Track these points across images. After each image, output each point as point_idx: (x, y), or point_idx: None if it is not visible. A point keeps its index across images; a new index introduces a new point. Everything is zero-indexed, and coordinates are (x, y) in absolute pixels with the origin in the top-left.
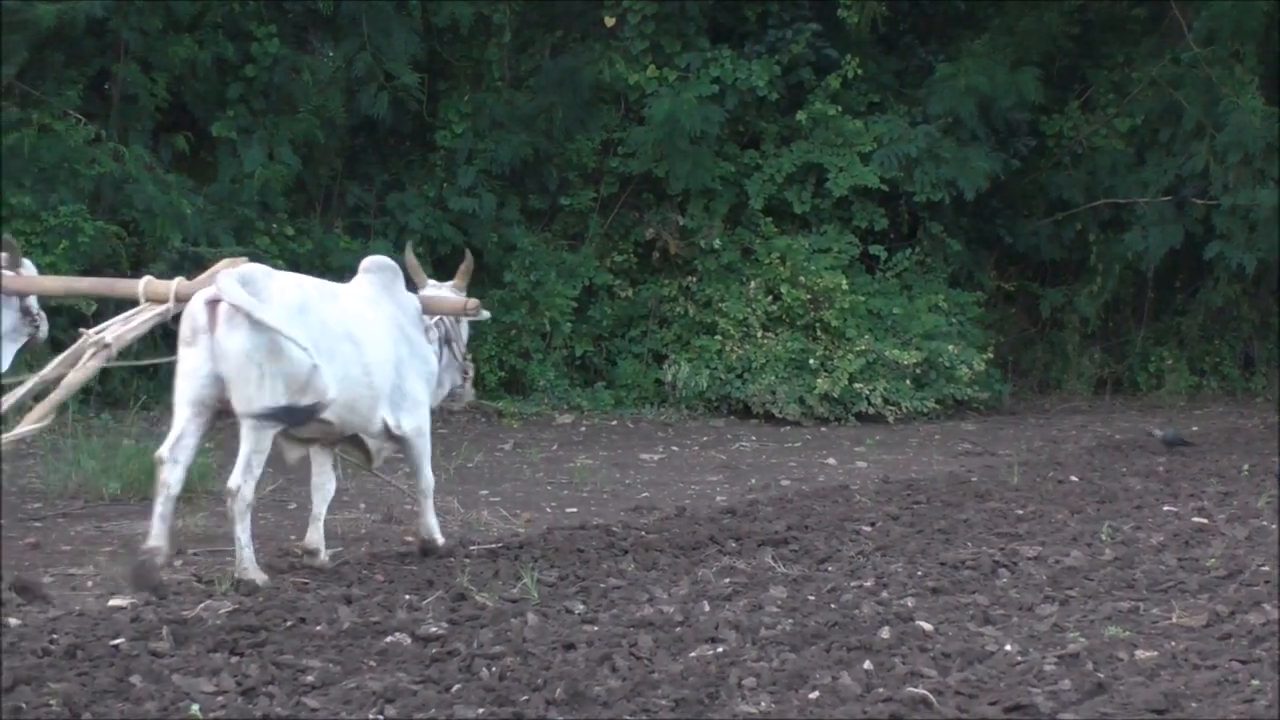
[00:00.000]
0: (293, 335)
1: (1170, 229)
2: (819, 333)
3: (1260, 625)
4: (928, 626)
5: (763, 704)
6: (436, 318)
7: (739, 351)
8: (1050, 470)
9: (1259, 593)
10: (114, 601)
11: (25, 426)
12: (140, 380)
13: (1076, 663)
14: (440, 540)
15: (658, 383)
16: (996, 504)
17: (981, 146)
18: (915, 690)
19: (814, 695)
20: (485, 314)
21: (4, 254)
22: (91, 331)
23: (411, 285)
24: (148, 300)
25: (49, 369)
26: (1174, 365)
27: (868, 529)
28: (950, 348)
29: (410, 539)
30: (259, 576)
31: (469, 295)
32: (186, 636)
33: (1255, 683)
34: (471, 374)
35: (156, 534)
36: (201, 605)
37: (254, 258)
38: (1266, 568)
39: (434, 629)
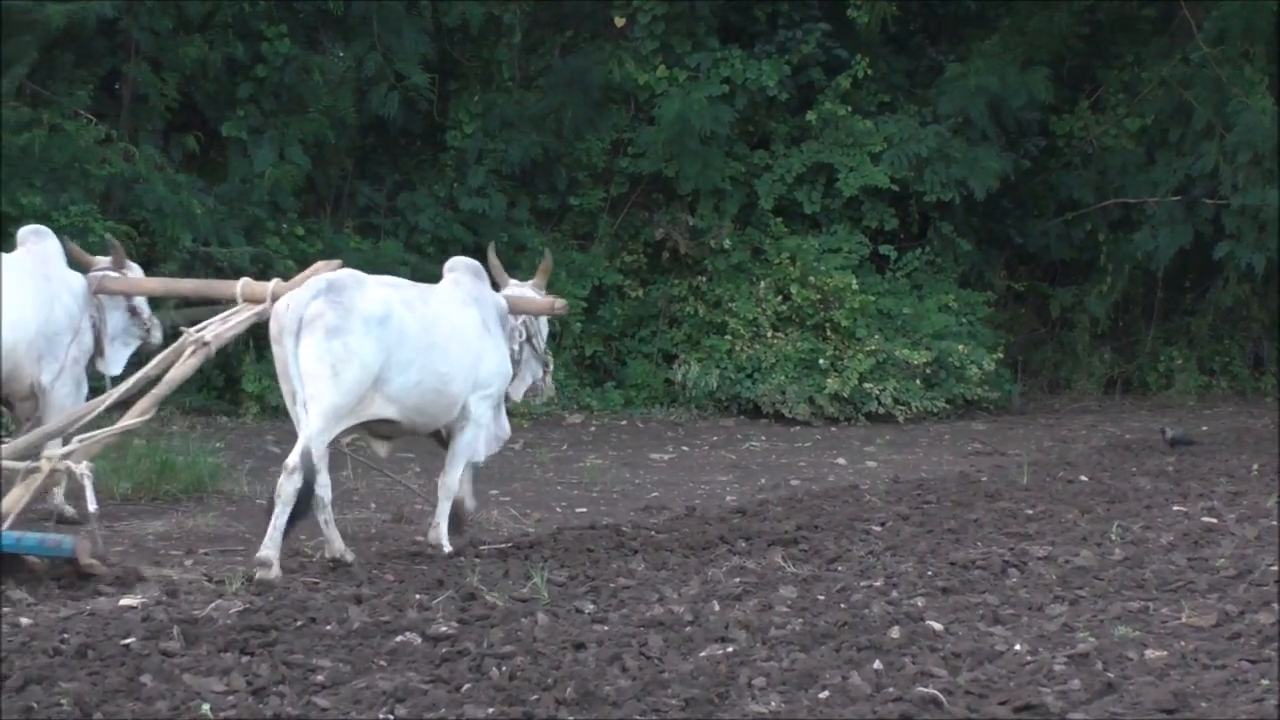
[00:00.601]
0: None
1: (1180, 229)
2: (829, 332)
3: (1270, 625)
4: (938, 626)
5: (773, 703)
6: (522, 317)
7: (749, 351)
8: (1060, 470)
9: (1269, 592)
10: (125, 601)
11: (129, 420)
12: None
13: (1086, 662)
14: (448, 549)
15: (667, 382)
16: (1006, 504)
17: (992, 146)
18: (925, 690)
19: (824, 695)
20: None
21: (110, 256)
22: (192, 330)
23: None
24: (244, 300)
25: (151, 365)
26: (1184, 365)
27: (877, 529)
28: (960, 347)
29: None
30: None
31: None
32: (197, 636)
33: (1265, 682)
34: (551, 368)
35: (333, 540)
36: (212, 605)
37: (264, 258)
38: (1276, 567)
39: (444, 628)
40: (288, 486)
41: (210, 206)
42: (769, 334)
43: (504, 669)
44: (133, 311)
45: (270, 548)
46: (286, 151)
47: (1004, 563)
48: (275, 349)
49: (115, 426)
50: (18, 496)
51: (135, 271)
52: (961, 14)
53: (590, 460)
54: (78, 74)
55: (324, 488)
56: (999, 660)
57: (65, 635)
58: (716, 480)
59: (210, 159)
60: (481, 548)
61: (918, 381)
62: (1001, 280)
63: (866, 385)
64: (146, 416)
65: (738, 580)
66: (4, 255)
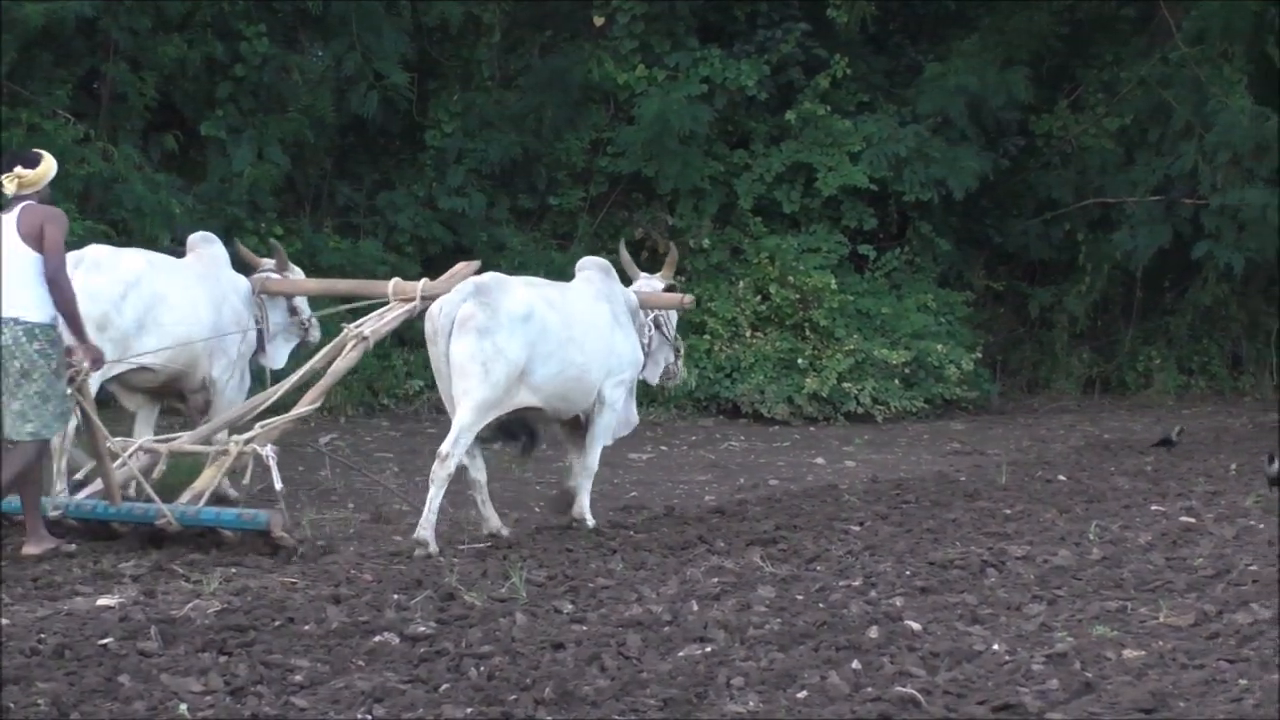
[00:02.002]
0: None
1: (1159, 228)
2: (808, 332)
3: (1248, 625)
4: (916, 626)
5: (751, 703)
6: (656, 313)
7: (728, 351)
8: (1038, 470)
9: (1247, 592)
10: (102, 601)
11: (300, 409)
12: None
13: (1064, 662)
14: (591, 523)
15: (645, 382)
16: (985, 503)
17: (971, 146)
18: (903, 689)
19: (802, 695)
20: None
21: (274, 259)
22: (352, 326)
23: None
24: (396, 299)
25: (316, 359)
26: (1162, 365)
27: (856, 528)
28: (939, 347)
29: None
30: (429, 536)
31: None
32: (175, 636)
33: (1243, 682)
34: (682, 353)
35: (489, 518)
36: (190, 605)
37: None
38: (1254, 567)
39: (422, 628)
40: (441, 471)
41: (189, 206)
42: (748, 334)
43: (482, 669)
44: (293, 311)
45: (426, 528)
46: (265, 151)
47: (982, 562)
48: (430, 349)
49: (290, 414)
50: (210, 477)
51: (296, 273)
52: (941, 14)
53: (569, 460)
54: (56, 73)
55: (479, 470)
56: (977, 660)
57: (42, 635)
58: (695, 480)
59: (189, 158)
60: (460, 547)
61: (896, 381)
62: (980, 280)
63: (845, 385)
64: (316, 405)
65: (716, 580)
66: (178, 259)
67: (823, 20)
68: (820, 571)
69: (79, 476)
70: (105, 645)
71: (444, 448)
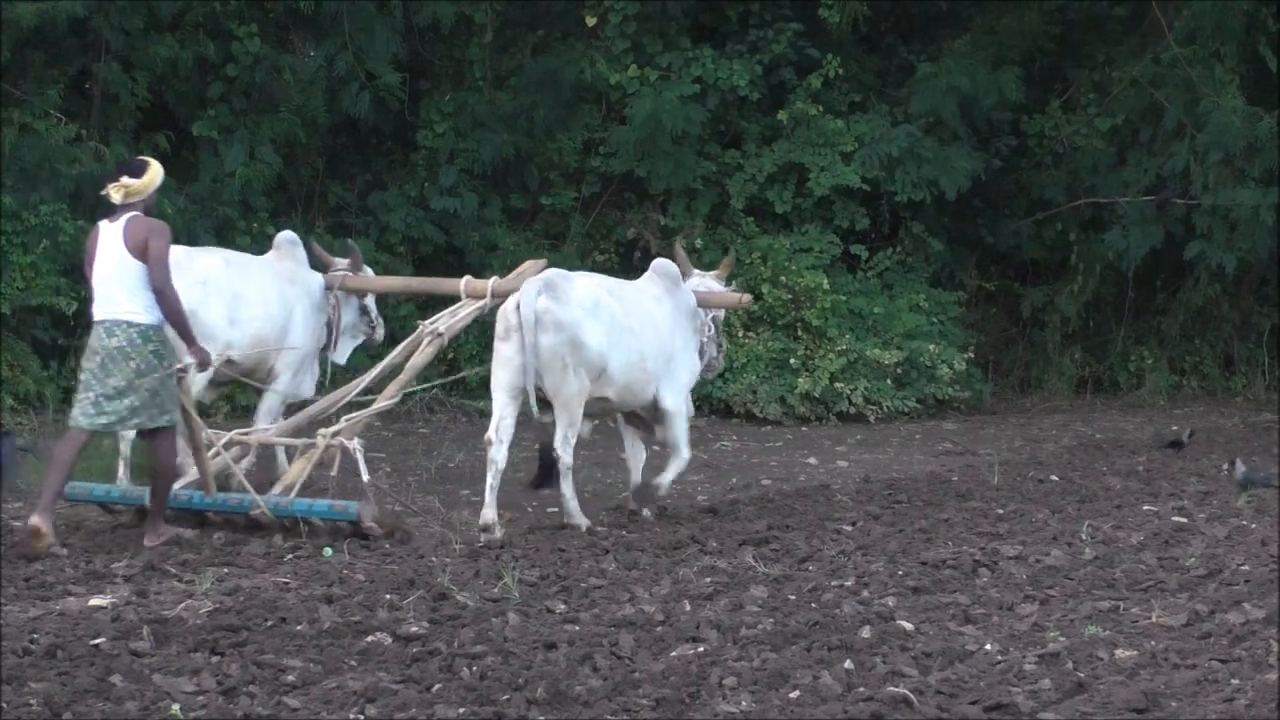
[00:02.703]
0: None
1: (1151, 229)
2: (800, 332)
3: (1240, 624)
4: (908, 626)
5: (744, 703)
6: (713, 313)
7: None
8: (1031, 470)
9: (1239, 592)
10: (95, 601)
11: (380, 403)
12: None
13: (1057, 662)
14: (664, 491)
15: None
16: (977, 503)
17: (963, 146)
18: (896, 689)
19: (795, 694)
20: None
21: (348, 259)
22: (427, 322)
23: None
24: (468, 297)
25: (394, 355)
26: (1154, 365)
27: (848, 528)
28: (931, 347)
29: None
30: (583, 522)
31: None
32: (167, 636)
33: (1235, 682)
34: (724, 347)
35: (489, 504)
36: (182, 605)
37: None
38: (1246, 567)
39: (415, 628)
40: (560, 468)
41: (181, 206)
42: (740, 334)
43: (475, 669)
44: (363, 310)
45: (575, 516)
46: (257, 151)
47: (975, 562)
48: (499, 344)
49: (371, 408)
50: (300, 469)
51: (368, 273)
52: (933, 14)
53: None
54: (48, 73)
55: (503, 459)
56: (970, 660)
57: (34, 635)
58: (688, 480)
59: (181, 158)
60: (453, 547)
61: (889, 381)
62: (973, 280)
63: (838, 385)
64: (395, 399)
65: (709, 580)
66: (256, 258)
67: (815, 20)
68: (813, 571)
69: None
70: (98, 645)
71: (559, 451)
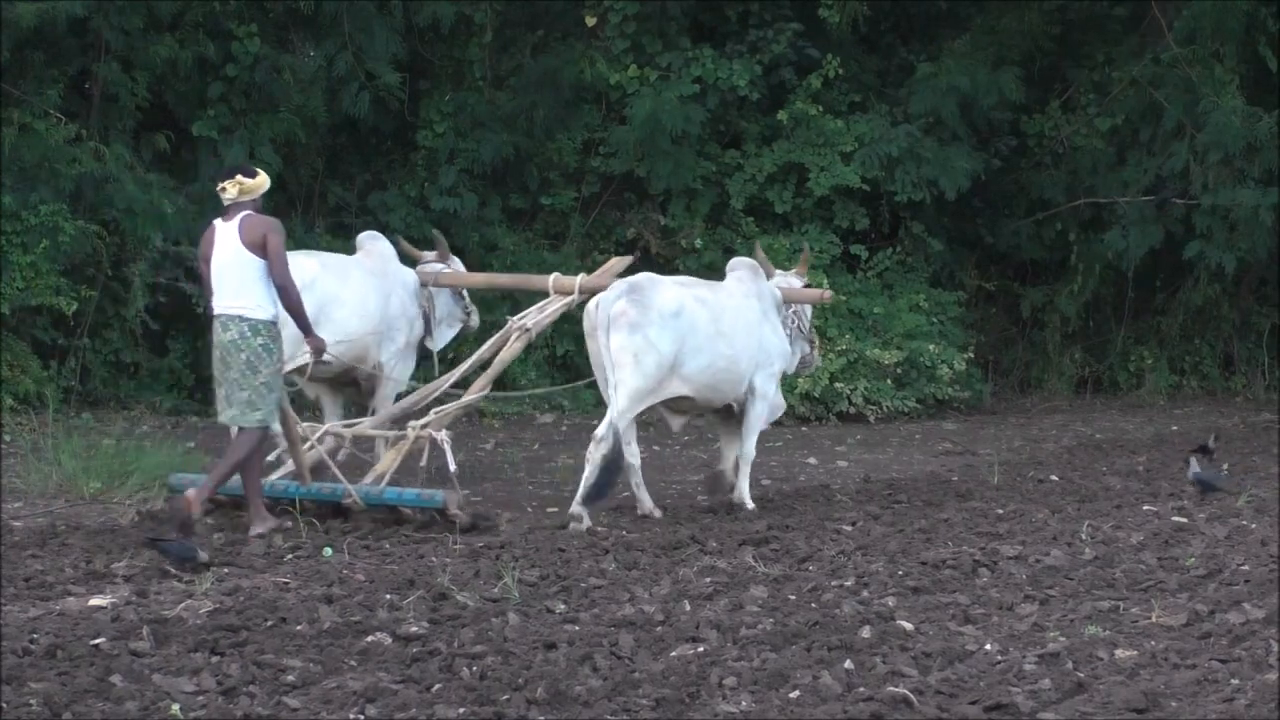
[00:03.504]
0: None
1: (1151, 228)
2: None
3: (1240, 624)
4: (908, 626)
5: (743, 703)
6: (794, 306)
7: None
8: (1031, 469)
9: (1239, 592)
10: (95, 601)
11: (471, 395)
12: (121, 379)
13: (1056, 662)
14: (750, 506)
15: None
16: (977, 503)
17: (963, 146)
18: (896, 689)
19: (795, 694)
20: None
21: (435, 251)
22: (515, 318)
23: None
24: (555, 293)
25: (484, 349)
26: (1154, 365)
27: (848, 528)
28: (931, 347)
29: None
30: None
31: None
32: (167, 636)
33: (1235, 682)
34: (817, 343)
35: (643, 500)
36: (182, 605)
37: None
38: (1246, 567)
39: (415, 628)
40: (596, 453)
41: (181, 206)
42: None
43: (475, 669)
44: (457, 298)
45: (580, 503)
46: (257, 151)
47: (975, 562)
48: (589, 342)
49: (460, 401)
50: (391, 460)
51: (456, 264)
52: (932, 14)
53: (562, 460)
54: (48, 73)
55: (634, 456)
56: (969, 660)
57: (34, 635)
58: (688, 480)
59: (181, 158)
60: (454, 547)
61: (889, 381)
62: (972, 280)
63: (837, 385)
64: (485, 392)
65: (709, 580)
66: (348, 258)
67: (815, 20)
68: (812, 571)
69: (271, 458)
70: (98, 645)
71: (599, 431)
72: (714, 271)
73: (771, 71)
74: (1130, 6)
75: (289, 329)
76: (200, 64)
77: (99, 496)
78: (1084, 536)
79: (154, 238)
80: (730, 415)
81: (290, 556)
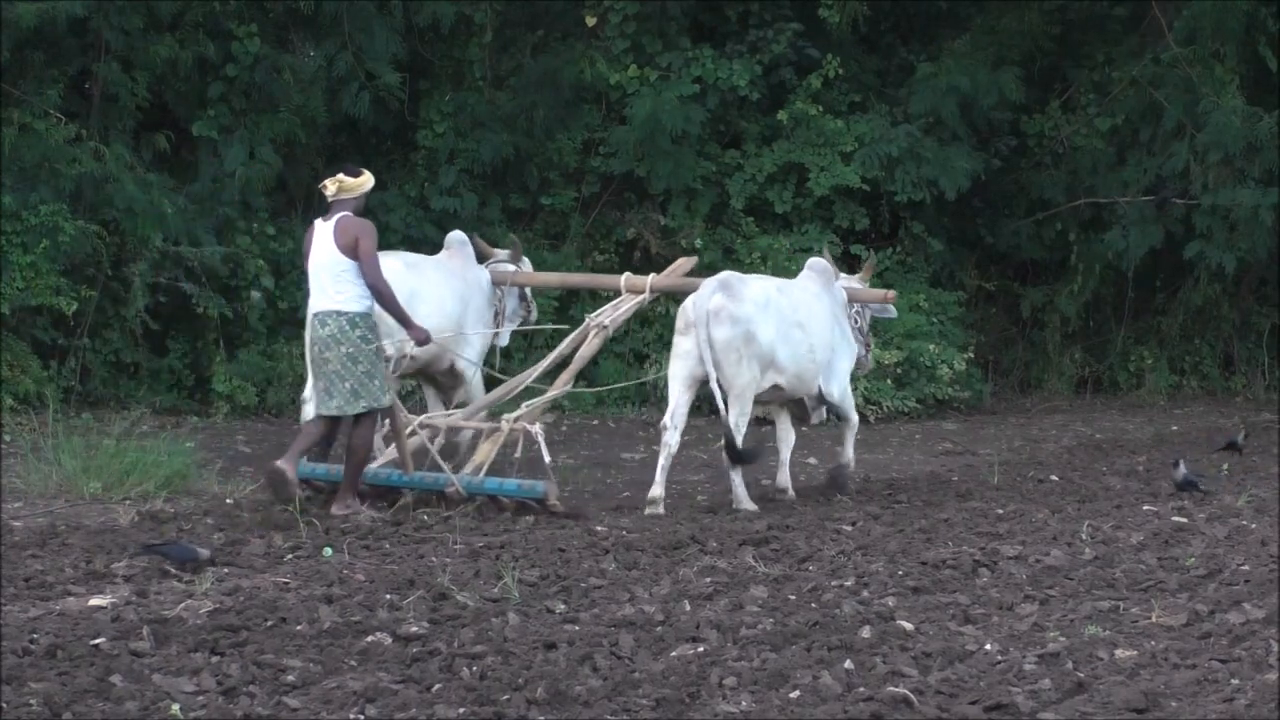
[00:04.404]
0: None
1: (1151, 228)
2: None
3: (1240, 624)
4: (908, 626)
5: (743, 703)
6: (857, 305)
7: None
8: (1031, 469)
9: (1239, 592)
10: (95, 601)
11: (554, 390)
12: (121, 379)
13: (1056, 662)
14: (852, 467)
15: (640, 382)
16: (977, 503)
17: (963, 146)
18: (896, 689)
19: (795, 694)
20: (892, 310)
21: (509, 251)
22: (592, 316)
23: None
24: (628, 291)
25: (564, 346)
26: (1154, 365)
27: (848, 528)
28: (931, 347)
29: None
30: (752, 506)
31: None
32: (167, 636)
33: (1235, 681)
34: (872, 346)
35: (658, 484)
36: (182, 605)
37: (234, 258)
38: (1246, 567)
39: (415, 628)
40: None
41: (181, 206)
42: None
43: (475, 669)
44: (521, 297)
45: (741, 498)
46: (257, 151)
47: (975, 562)
48: (680, 339)
49: (547, 395)
50: (487, 451)
51: (527, 265)
52: (932, 14)
53: (562, 460)
54: (48, 73)
55: (674, 441)
56: (970, 660)
57: (34, 635)
58: (688, 480)
59: (181, 158)
60: (454, 547)
61: (889, 381)
62: (972, 280)
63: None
64: (568, 387)
65: (709, 580)
66: (430, 258)
67: (814, 20)
68: (813, 571)
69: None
70: (97, 645)
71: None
72: (714, 272)
73: (771, 71)
74: (1130, 6)
75: (385, 321)
76: (200, 64)
77: (99, 496)
78: (1084, 536)
79: (154, 238)
80: (801, 409)
81: (290, 556)
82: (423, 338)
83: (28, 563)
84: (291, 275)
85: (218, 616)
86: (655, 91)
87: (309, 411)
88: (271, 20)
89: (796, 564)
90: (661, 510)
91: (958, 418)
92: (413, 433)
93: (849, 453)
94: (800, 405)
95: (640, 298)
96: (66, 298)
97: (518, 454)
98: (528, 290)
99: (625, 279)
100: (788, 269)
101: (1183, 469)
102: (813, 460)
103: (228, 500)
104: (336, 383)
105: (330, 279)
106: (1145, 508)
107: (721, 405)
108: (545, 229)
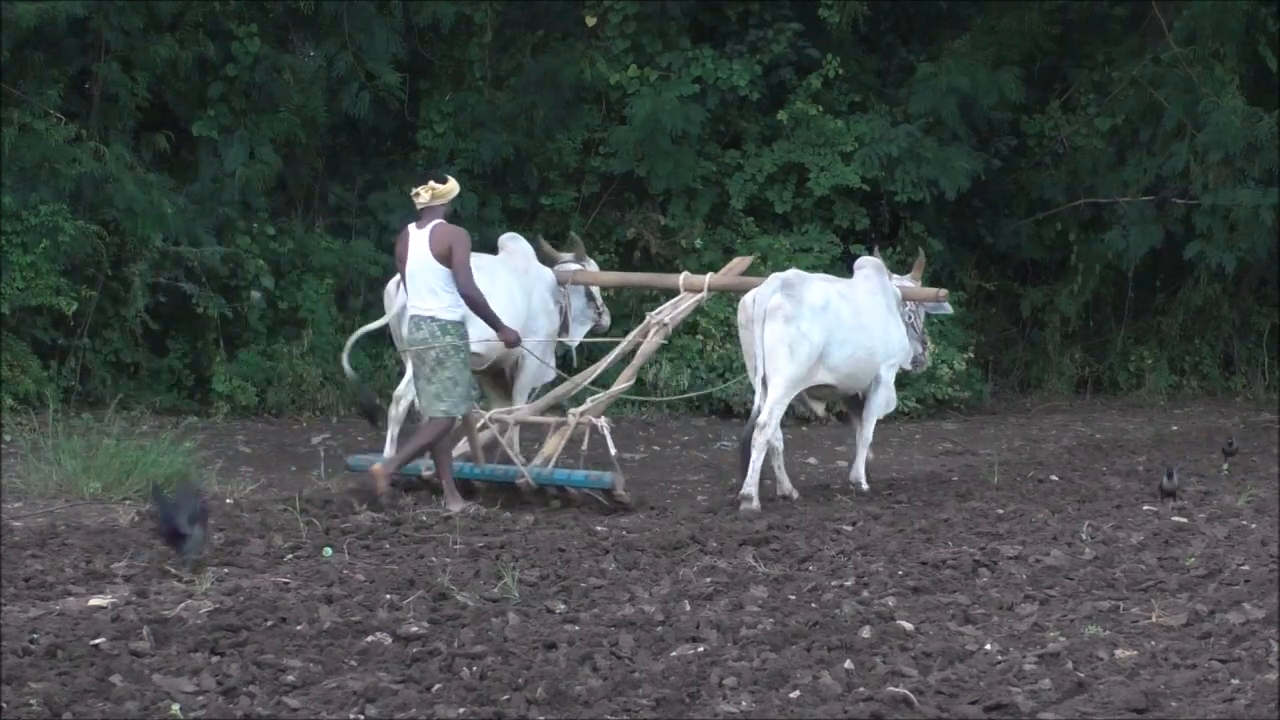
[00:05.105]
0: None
1: (1151, 228)
2: None
3: (1240, 624)
4: (908, 626)
5: (744, 703)
6: (910, 304)
7: (720, 351)
8: (1031, 469)
9: (1239, 592)
10: (95, 601)
11: (619, 386)
12: (121, 379)
13: (1056, 662)
14: (866, 488)
15: (639, 382)
16: (977, 503)
17: (963, 146)
18: (896, 689)
19: (795, 694)
20: (947, 306)
21: (573, 252)
22: (654, 313)
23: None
24: (686, 290)
25: (625, 343)
26: (1154, 365)
27: (849, 528)
28: (931, 347)
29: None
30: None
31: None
32: (167, 636)
33: (1235, 682)
34: (928, 344)
35: (783, 480)
36: (182, 605)
37: (234, 258)
38: (1246, 567)
39: (415, 628)
40: (760, 438)
41: (181, 206)
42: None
43: (475, 669)
44: (589, 297)
45: (750, 485)
46: (257, 151)
47: (975, 562)
48: (742, 333)
49: (611, 390)
50: (555, 444)
51: (591, 265)
52: (933, 14)
53: (561, 459)
54: (48, 73)
55: (779, 439)
56: (970, 660)
57: (34, 635)
58: (688, 480)
59: (181, 158)
60: (454, 547)
61: None
62: (972, 280)
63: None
64: (631, 382)
65: (709, 580)
66: (494, 258)
67: (814, 20)
68: (813, 571)
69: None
70: (97, 645)
71: (761, 419)
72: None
73: (771, 71)
74: (1130, 6)
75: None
76: (200, 64)
77: (99, 496)
78: (1084, 536)
79: (154, 238)
80: (857, 404)
81: (290, 556)
82: (513, 340)
83: (28, 563)
84: (291, 275)
85: (218, 616)
86: (655, 91)
87: (402, 406)
88: (271, 20)
89: (796, 564)
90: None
91: (958, 418)
92: (483, 426)
93: (861, 466)
94: (856, 401)
95: (699, 296)
96: (66, 298)
97: (584, 447)
98: (596, 292)
99: (684, 278)
100: (787, 269)
101: (1175, 478)
102: (813, 460)
103: (228, 500)
104: (424, 385)
105: (425, 285)
106: (1145, 508)
107: (760, 400)
108: (545, 229)
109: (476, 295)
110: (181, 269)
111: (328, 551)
